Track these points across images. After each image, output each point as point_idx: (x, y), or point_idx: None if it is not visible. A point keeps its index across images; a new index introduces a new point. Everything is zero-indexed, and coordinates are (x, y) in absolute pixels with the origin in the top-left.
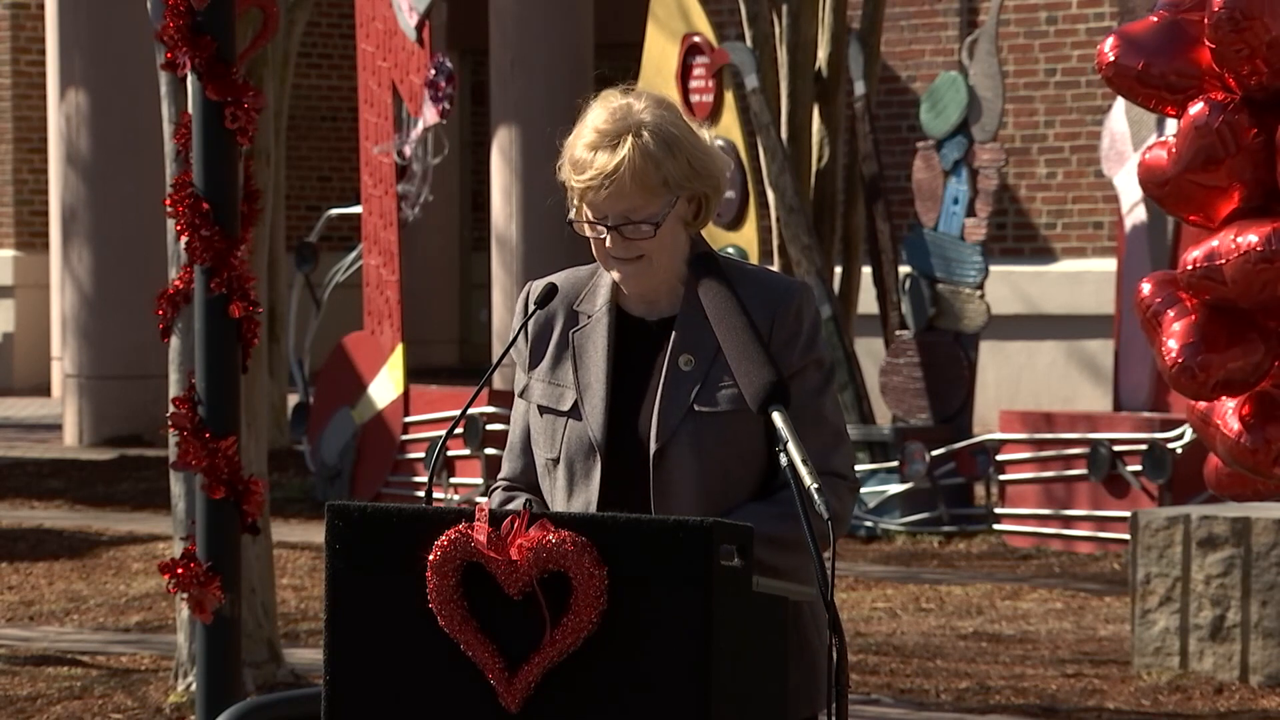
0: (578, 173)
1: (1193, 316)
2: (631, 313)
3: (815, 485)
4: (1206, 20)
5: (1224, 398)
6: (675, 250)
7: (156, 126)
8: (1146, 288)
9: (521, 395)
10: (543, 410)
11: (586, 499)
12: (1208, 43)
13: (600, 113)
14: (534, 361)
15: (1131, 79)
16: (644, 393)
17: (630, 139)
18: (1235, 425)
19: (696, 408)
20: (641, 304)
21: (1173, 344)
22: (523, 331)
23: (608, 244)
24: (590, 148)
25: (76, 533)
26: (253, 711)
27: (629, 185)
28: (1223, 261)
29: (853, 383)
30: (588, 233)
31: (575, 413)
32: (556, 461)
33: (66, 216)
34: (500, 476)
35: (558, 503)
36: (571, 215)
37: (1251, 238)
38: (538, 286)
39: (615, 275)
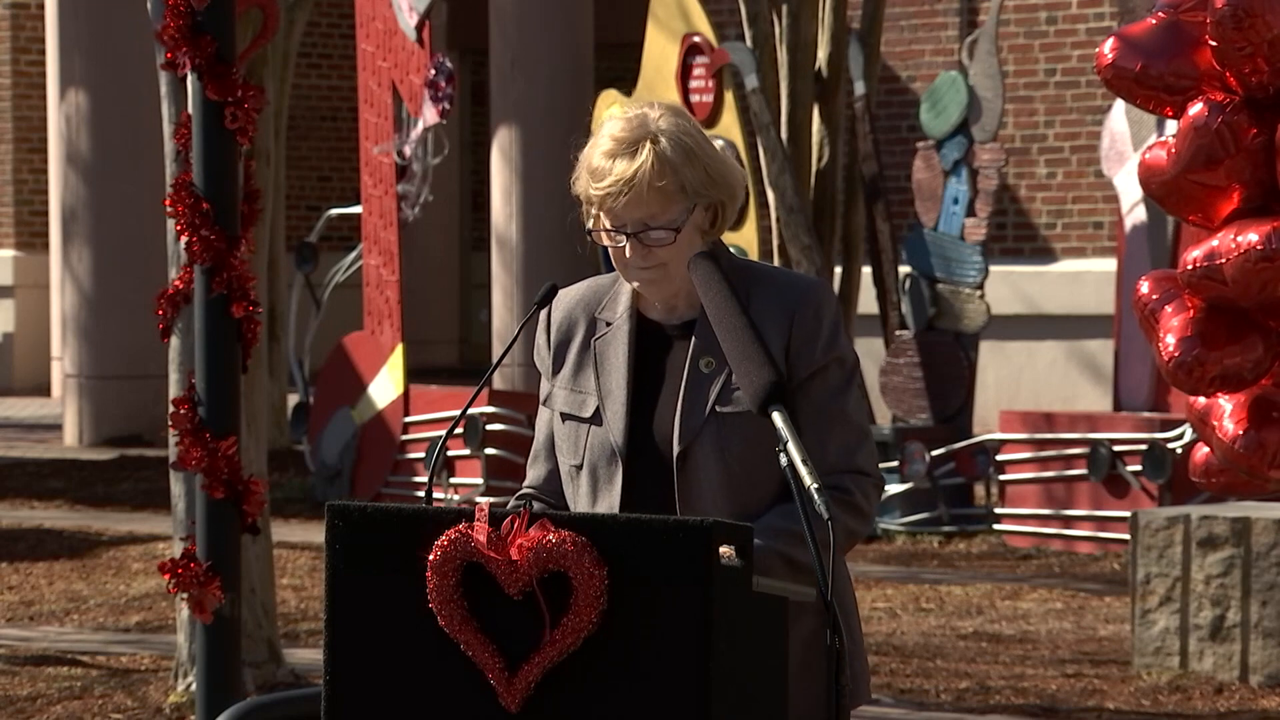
0: (596, 180)
1: (1190, 312)
2: (652, 318)
3: (815, 485)
4: (1209, 18)
5: (1222, 398)
6: None
7: (156, 126)
8: (1145, 286)
9: (545, 403)
10: (565, 417)
11: (610, 504)
12: (1210, 40)
13: (617, 123)
14: (556, 369)
15: (1130, 80)
16: (666, 397)
17: (648, 145)
18: (1231, 428)
19: (718, 409)
20: (661, 309)
21: (1170, 339)
22: (545, 339)
23: (627, 253)
24: (608, 156)
25: (76, 533)
26: (253, 711)
27: (647, 191)
28: (1223, 261)
29: None
30: (606, 242)
31: (597, 419)
32: (580, 468)
33: (66, 216)
34: (525, 484)
35: (582, 508)
36: (590, 225)
37: (1252, 236)
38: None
39: (635, 284)
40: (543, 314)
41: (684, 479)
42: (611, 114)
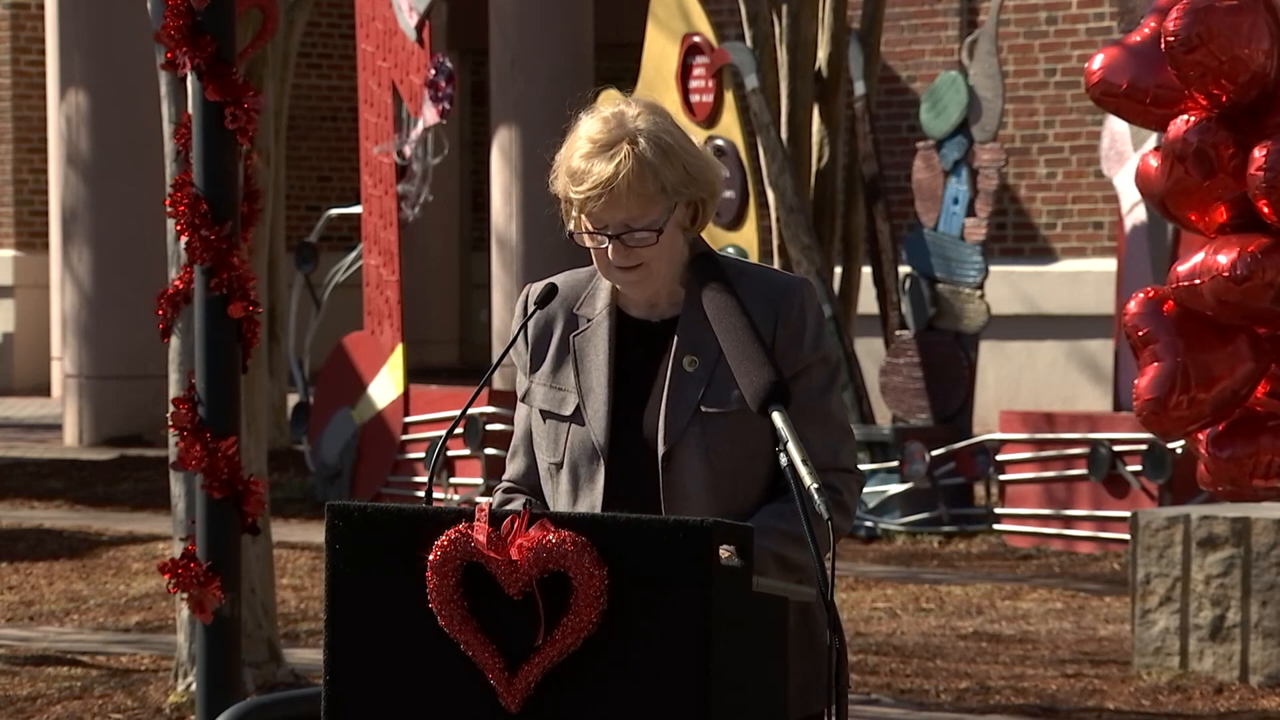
0: (576, 184)
1: (1163, 361)
2: (632, 315)
3: (815, 486)
4: (1163, 47)
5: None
6: (674, 255)
7: (156, 126)
8: (1132, 307)
9: (523, 399)
10: (545, 415)
11: (591, 503)
12: (1169, 67)
13: (594, 123)
14: (534, 365)
15: (1118, 96)
16: (648, 395)
17: (626, 146)
18: (1214, 442)
19: (704, 408)
20: (642, 306)
21: (1142, 382)
22: (523, 335)
23: (610, 254)
24: (587, 158)
25: (76, 533)
26: (253, 711)
27: (627, 194)
28: (1200, 281)
29: (853, 383)
30: (588, 243)
31: (578, 417)
32: (560, 466)
33: (66, 216)
34: (504, 478)
35: (561, 506)
36: (570, 227)
37: (1222, 259)
38: (537, 288)
39: (618, 284)
40: (518, 309)
41: (669, 479)
42: (588, 114)
